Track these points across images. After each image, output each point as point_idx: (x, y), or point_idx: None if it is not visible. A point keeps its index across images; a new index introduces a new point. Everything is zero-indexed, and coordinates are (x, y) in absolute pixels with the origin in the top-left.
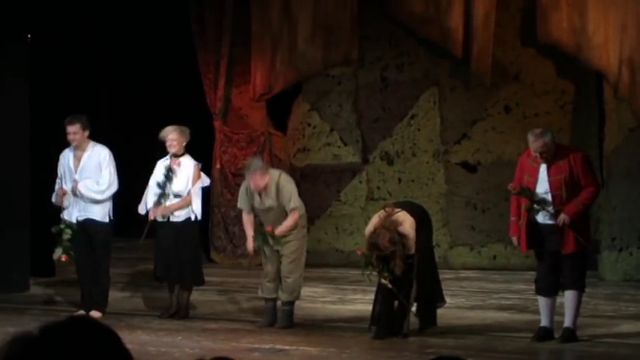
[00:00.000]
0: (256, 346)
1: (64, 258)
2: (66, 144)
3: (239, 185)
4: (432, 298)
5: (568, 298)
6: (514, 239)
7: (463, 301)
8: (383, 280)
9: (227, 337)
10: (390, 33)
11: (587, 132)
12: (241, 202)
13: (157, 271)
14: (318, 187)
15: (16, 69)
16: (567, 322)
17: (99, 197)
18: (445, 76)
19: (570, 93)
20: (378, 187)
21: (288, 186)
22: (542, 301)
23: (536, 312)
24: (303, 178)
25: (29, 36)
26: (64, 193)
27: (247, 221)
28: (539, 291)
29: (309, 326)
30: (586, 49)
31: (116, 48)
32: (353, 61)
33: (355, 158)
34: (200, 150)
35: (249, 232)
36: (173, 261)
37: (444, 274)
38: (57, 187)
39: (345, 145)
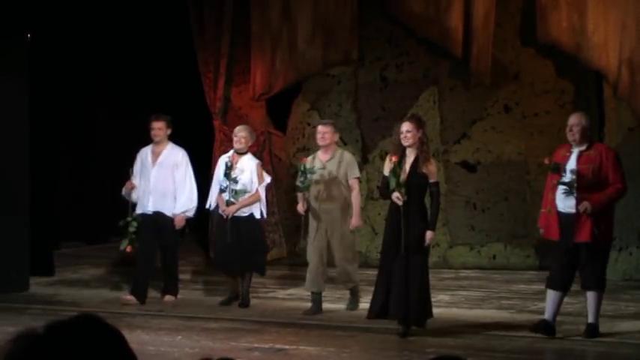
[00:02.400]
0: (256, 345)
1: (129, 249)
2: (68, 145)
3: None
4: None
5: (590, 297)
6: (541, 231)
7: (463, 301)
8: (397, 195)
9: (227, 337)
10: (389, 33)
11: None
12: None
13: (218, 262)
14: None
15: (15, 68)
16: (590, 319)
17: (192, 208)
18: (445, 75)
19: (570, 93)
20: (378, 187)
21: (352, 157)
22: (550, 295)
23: (536, 311)
24: None
25: (29, 35)
26: (132, 187)
27: (301, 196)
28: (551, 284)
29: (309, 326)
30: (586, 48)
31: (116, 47)
32: (353, 61)
33: (355, 158)
34: (200, 149)
35: (296, 190)
36: (236, 253)
37: (443, 274)
38: (133, 181)
39: (345, 144)
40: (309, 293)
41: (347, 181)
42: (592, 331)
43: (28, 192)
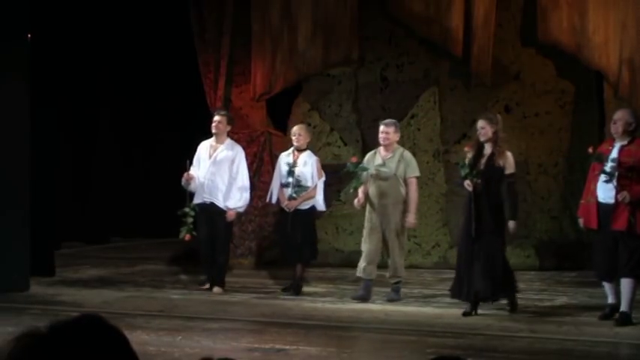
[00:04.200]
0: (256, 345)
1: (187, 238)
2: (69, 146)
3: None
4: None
5: (624, 284)
6: (580, 220)
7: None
8: (467, 182)
9: (227, 337)
10: (390, 33)
11: (587, 132)
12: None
13: (284, 252)
14: None
15: (16, 69)
16: (623, 307)
17: (244, 204)
18: (445, 75)
19: (570, 93)
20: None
21: (411, 157)
22: (606, 286)
23: (537, 312)
24: None
25: (29, 35)
26: (190, 178)
27: (361, 190)
28: (600, 277)
29: (309, 326)
30: (586, 48)
31: (116, 47)
32: (353, 61)
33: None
34: None
35: (362, 193)
36: (295, 244)
37: (444, 274)
38: (191, 171)
39: (345, 144)
40: (363, 278)
41: (404, 179)
42: (624, 319)
43: (29, 192)
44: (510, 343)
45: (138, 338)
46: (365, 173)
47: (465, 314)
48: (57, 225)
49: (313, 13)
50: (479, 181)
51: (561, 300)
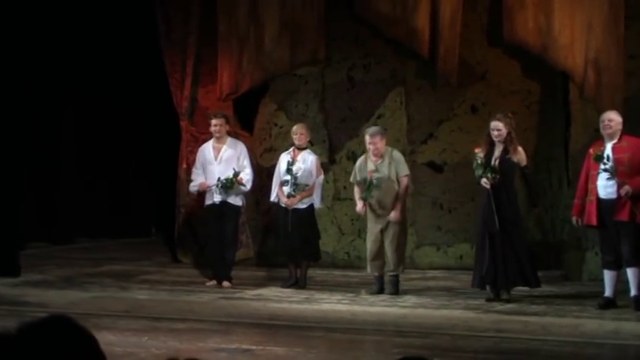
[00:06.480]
0: (222, 346)
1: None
2: (34, 146)
3: None
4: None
5: (630, 273)
6: (573, 219)
7: (430, 301)
8: (484, 180)
9: (193, 337)
10: (356, 33)
11: (553, 132)
12: (353, 177)
13: (281, 250)
14: None
15: None
16: (634, 292)
17: (248, 187)
18: (412, 76)
19: (536, 93)
20: (345, 187)
21: (400, 156)
22: (607, 275)
23: (502, 311)
24: (270, 178)
25: None
26: (206, 186)
27: (358, 191)
28: (605, 265)
29: (276, 326)
30: (552, 49)
31: (82, 47)
32: (320, 61)
33: (322, 158)
34: (166, 150)
35: (360, 198)
36: (297, 242)
37: (410, 274)
38: (195, 177)
39: (312, 145)
40: (372, 275)
41: (397, 178)
42: (639, 302)
43: None
44: (477, 342)
45: (104, 339)
46: (375, 190)
47: (488, 300)
48: (22, 225)
49: (280, 13)
50: (498, 176)
51: (527, 300)
